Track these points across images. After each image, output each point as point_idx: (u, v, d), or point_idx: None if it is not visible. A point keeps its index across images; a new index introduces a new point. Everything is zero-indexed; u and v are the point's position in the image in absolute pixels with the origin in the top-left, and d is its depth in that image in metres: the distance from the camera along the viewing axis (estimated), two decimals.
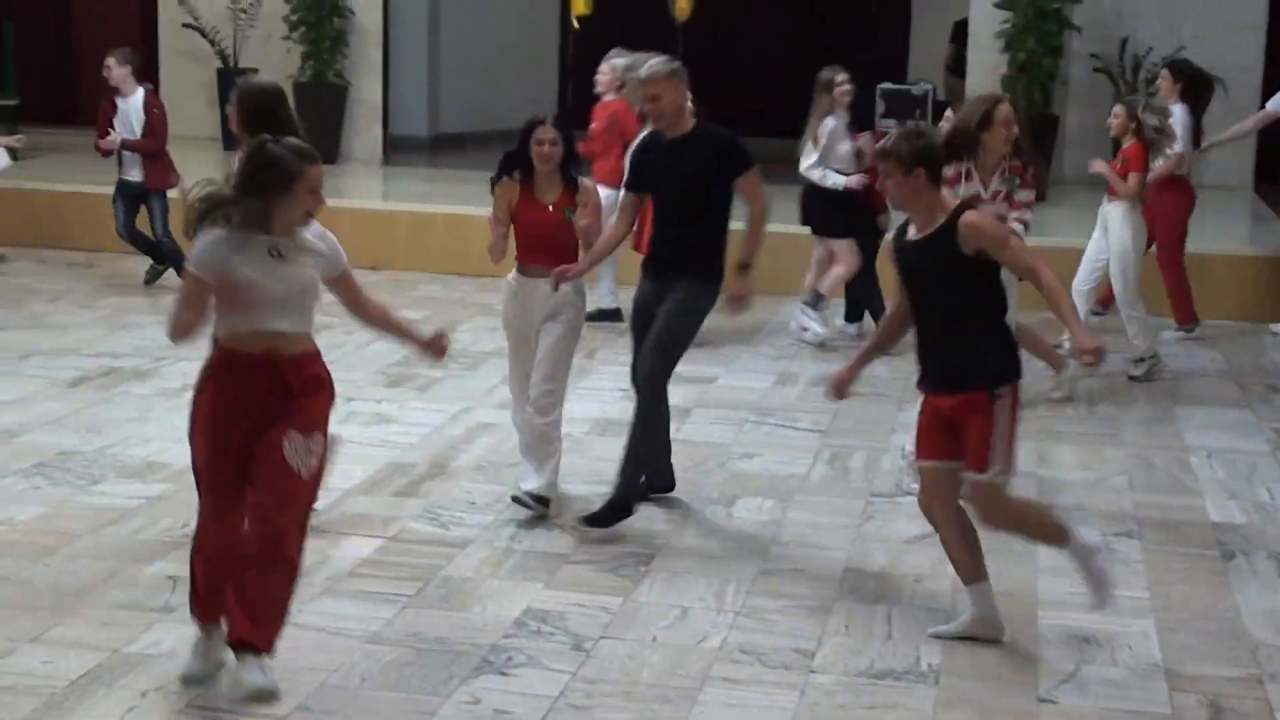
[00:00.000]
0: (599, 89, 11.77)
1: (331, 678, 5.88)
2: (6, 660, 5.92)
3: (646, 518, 7.63)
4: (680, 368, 7.75)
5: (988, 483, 6.16)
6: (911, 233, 6.26)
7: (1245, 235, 14.99)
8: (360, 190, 16.15)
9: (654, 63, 7.66)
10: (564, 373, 7.68)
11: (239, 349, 5.65)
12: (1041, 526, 6.43)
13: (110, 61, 12.77)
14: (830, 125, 11.20)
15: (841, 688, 5.95)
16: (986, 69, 16.21)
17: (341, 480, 8.10)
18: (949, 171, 7.89)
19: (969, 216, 6.12)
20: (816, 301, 11.47)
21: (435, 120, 20.16)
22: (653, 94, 7.57)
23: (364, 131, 17.95)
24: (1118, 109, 10.75)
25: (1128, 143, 10.50)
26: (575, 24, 16.57)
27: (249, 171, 5.73)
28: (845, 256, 11.30)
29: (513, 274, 7.69)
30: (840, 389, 6.59)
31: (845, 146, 11.27)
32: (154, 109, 12.78)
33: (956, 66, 17.43)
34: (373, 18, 17.88)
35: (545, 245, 7.55)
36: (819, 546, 7.43)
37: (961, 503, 6.29)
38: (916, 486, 6.84)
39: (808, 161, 11.20)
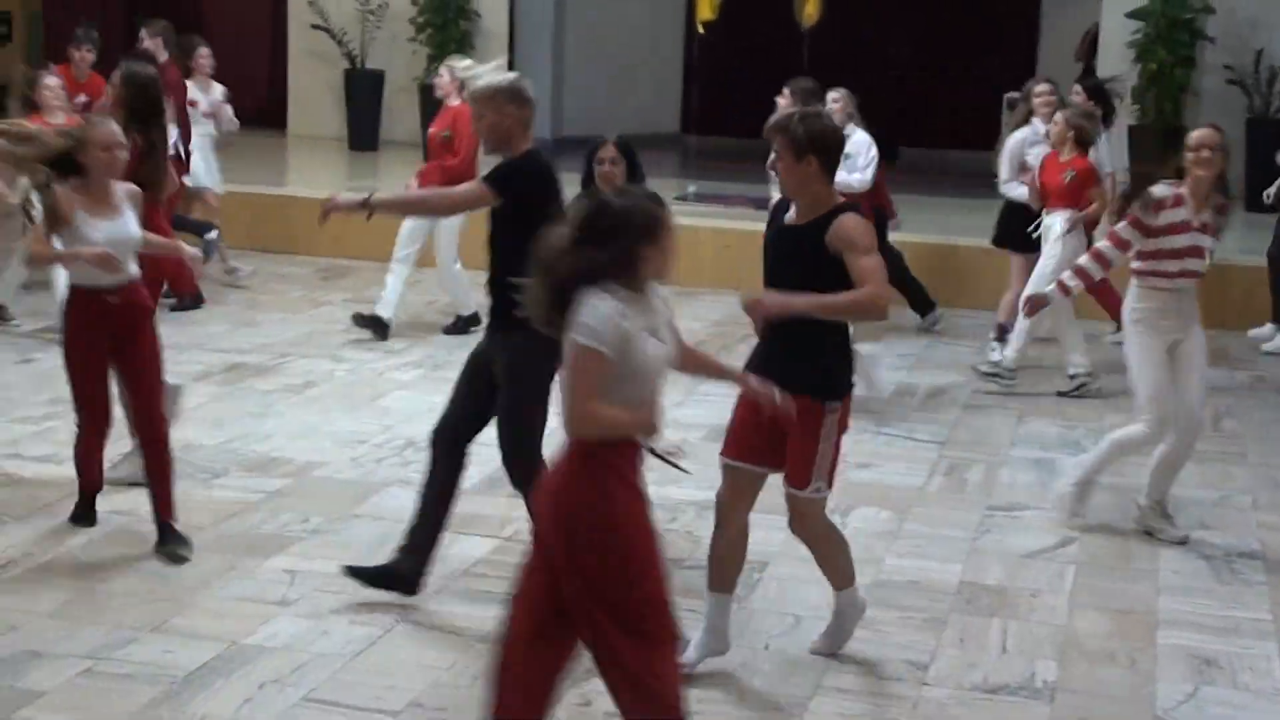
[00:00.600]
0: (439, 93, 11.45)
1: (444, 676, 5.92)
2: (127, 649, 6.02)
3: (764, 526, 7.60)
4: None
5: (807, 499, 5.92)
6: (790, 215, 5.85)
7: None
8: None
9: (483, 77, 6.90)
10: None
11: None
12: (842, 554, 6.19)
13: (144, 34, 12.62)
14: (1018, 137, 11.05)
15: (954, 701, 5.90)
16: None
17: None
18: (1167, 192, 7.48)
19: (846, 218, 5.70)
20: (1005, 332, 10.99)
21: (558, 123, 20.22)
22: (476, 112, 6.89)
23: None
24: (1058, 117, 10.52)
25: (1069, 154, 10.31)
26: (700, 29, 16.56)
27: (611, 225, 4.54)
28: (1024, 273, 10.80)
29: None
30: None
31: (1032, 155, 10.96)
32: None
33: (1086, 76, 17.20)
34: (498, 20, 17.99)
35: None
36: (935, 558, 7.38)
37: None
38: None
39: (1002, 177, 11.06)
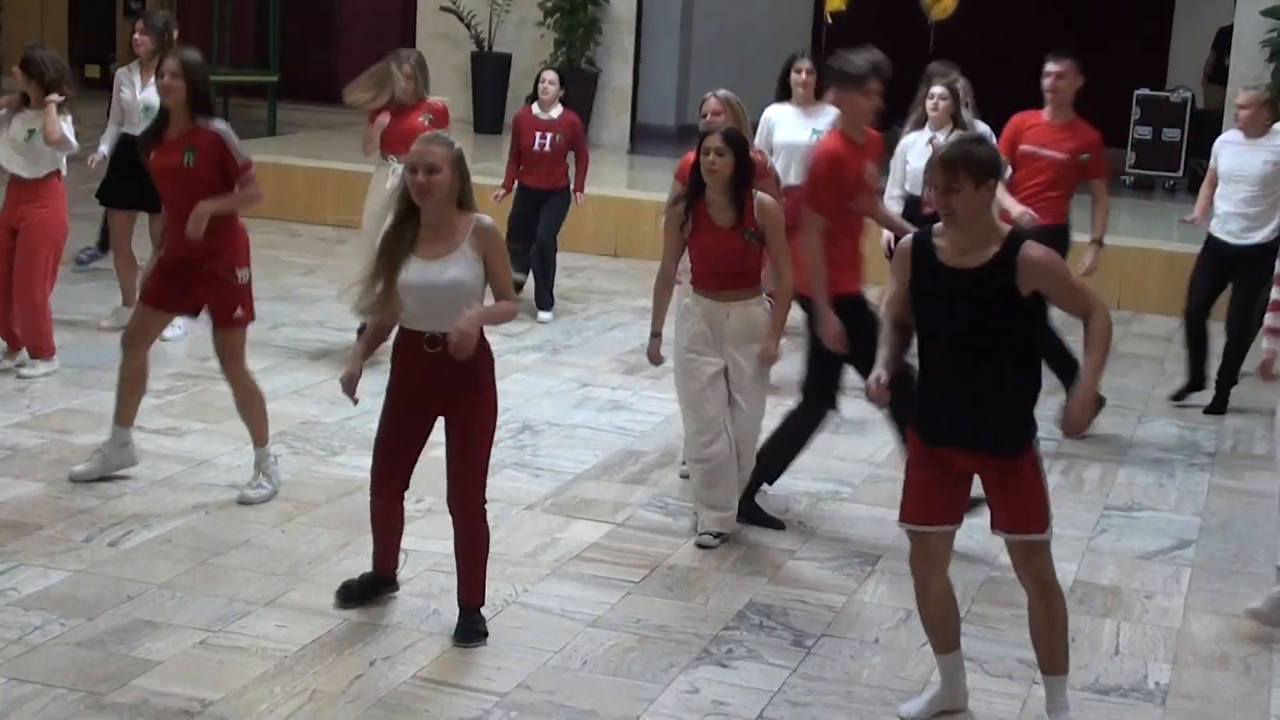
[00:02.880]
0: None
1: (553, 659, 5.95)
2: (242, 622, 6.10)
3: (876, 520, 7.57)
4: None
5: (1045, 541, 5.43)
6: (948, 255, 5.29)
7: None
8: (607, 178, 16.28)
9: None
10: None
11: None
12: (1064, 618, 5.52)
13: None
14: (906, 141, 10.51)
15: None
16: (1249, 79, 15.69)
17: (574, 465, 8.20)
18: None
19: (1031, 250, 5.24)
20: None
21: (683, 110, 20.20)
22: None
23: (613, 119, 18.09)
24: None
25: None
26: (829, 19, 16.45)
27: None
28: None
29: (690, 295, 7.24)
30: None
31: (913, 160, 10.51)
32: None
33: (1217, 75, 16.92)
34: (626, 6, 18.00)
35: (725, 270, 7.08)
36: None
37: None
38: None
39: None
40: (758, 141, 9.70)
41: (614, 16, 17.89)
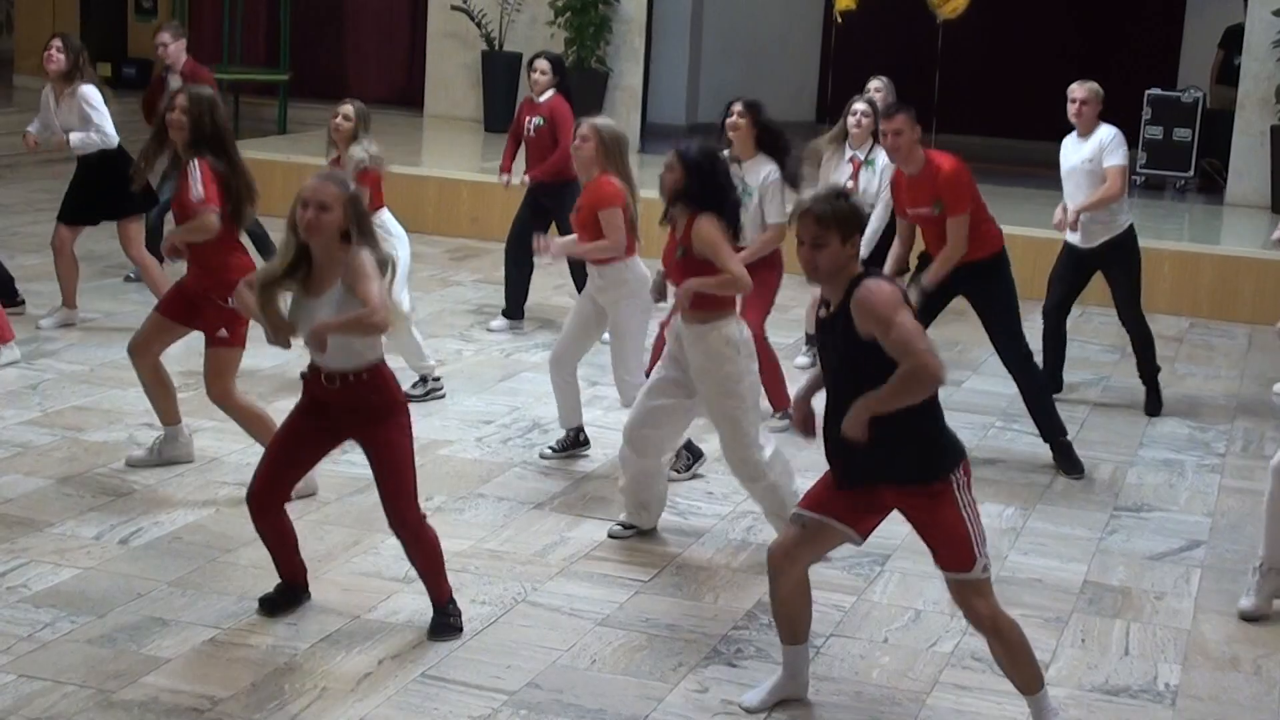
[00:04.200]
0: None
1: (562, 657, 5.95)
2: (251, 620, 6.11)
3: (887, 519, 7.55)
4: None
5: (978, 580, 5.31)
6: (825, 304, 5.36)
7: None
8: None
9: None
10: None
11: None
12: (1023, 646, 5.40)
13: (165, 37, 11.56)
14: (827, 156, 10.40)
15: (1074, 702, 5.84)
16: (1260, 78, 15.72)
17: (583, 464, 8.21)
18: None
19: (859, 292, 5.17)
20: None
21: (693, 109, 20.20)
22: None
23: (623, 118, 18.05)
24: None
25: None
26: (838, 18, 16.44)
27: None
28: None
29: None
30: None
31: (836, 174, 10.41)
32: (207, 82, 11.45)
33: (1225, 75, 16.88)
34: (637, 5, 18.00)
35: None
36: (1059, 557, 7.30)
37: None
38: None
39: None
40: None
41: (624, 15, 17.89)
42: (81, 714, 5.32)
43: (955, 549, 5.29)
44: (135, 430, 8.33)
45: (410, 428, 6.02)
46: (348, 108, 9.23)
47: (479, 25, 18.10)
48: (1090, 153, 9.40)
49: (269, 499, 6.10)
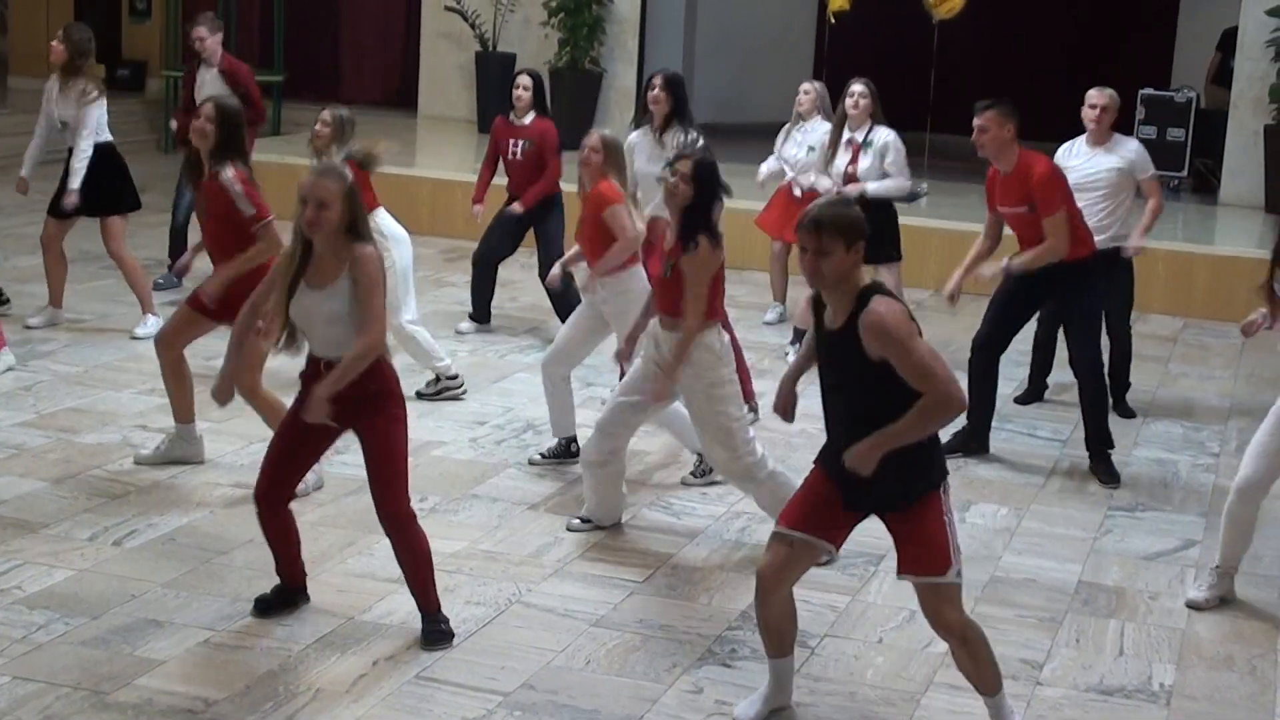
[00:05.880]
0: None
1: (557, 659, 5.95)
2: (245, 621, 6.11)
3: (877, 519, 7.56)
4: None
5: (950, 585, 5.30)
6: (828, 314, 5.29)
7: None
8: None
9: None
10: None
11: None
12: (986, 651, 5.40)
13: (202, 31, 11.54)
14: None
15: (1069, 702, 5.84)
16: (1254, 78, 15.73)
17: (577, 466, 8.20)
18: None
19: (870, 313, 5.10)
20: None
21: None
22: None
23: (617, 119, 18.06)
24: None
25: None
26: (832, 19, 16.43)
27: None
28: None
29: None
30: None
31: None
32: (245, 76, 11.72)
33: (1221, 76, 16.88)
34: (630, 6, 18.00)
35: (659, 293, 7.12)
36: (1053, 557, 7.30)
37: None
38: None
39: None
40: None
41: (618, 16, 17.90)
42: (76, 716, 5.32)
43: (933, 554, 5.26)
44: (129, 432, 8.33)
45: (405, 420, 6.00)
46: (326, 114, 9.20)
47: (473, 26, 18.10)
48: (1118, 162, 9.35)
49: (274, 497, 6.11)
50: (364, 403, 5.90)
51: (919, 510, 5.26)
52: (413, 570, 6.06)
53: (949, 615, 5.30)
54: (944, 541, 5.25)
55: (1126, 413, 9.75)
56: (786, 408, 5.70)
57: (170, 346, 7.75)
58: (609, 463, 7.22)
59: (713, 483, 7.96)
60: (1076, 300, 8.57)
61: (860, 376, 5.16)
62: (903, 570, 5.36)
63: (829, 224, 5.14)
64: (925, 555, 5.26)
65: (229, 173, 7.41)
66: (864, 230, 5.22)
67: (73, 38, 10.31)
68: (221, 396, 6.31)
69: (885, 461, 5.13)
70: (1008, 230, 8.60)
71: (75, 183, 10.17)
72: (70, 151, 10.29)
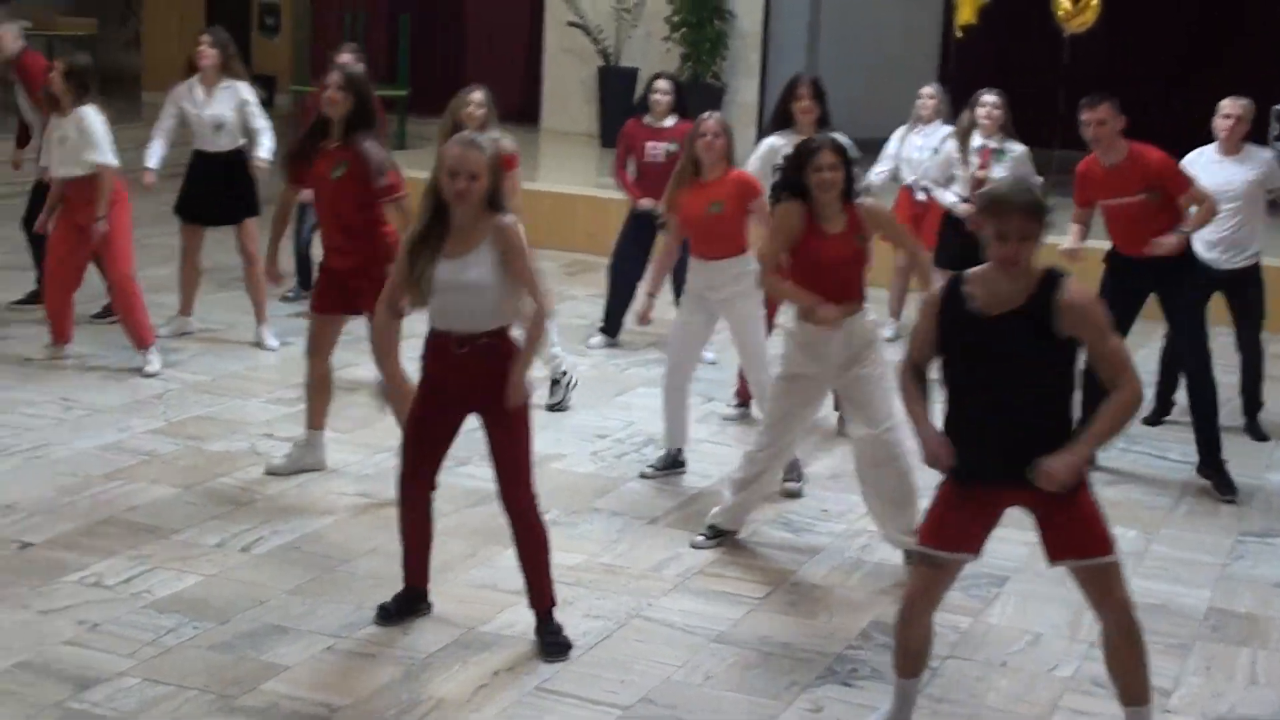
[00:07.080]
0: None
1: (676, 674, 5.94)
2: (369, 629, 6.15)
3: (1001, 539, 7.48)
4: None
5: (1115, 564, 5.20)
6: (981, 302, 5.10)
7: None
8: None
9: None
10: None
11: None
12: (1145, 648, 5.25)
13: (347, 58, 10.68)
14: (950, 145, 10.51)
15: None
16: None
17: (698, 480, 8.20)
18: None
19: (1072, 292, 5.04)
20: None
21: None
22: None
23: (739, 134, 17.89)
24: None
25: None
26: (959, 33, 16.32)
27: None
28: None
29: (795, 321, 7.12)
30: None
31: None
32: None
33: None
34: (754, 20, 17.99)
35: (834, 281, 6.94)
36: (1182, 582, 7.18)
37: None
38: None
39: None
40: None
41: (740, 31, 17.90)
42: (204, 718, 5.38)
43: (1095, 534, 5.14)
44: (256, 440, 8.42)
45: (530, 410, 6.03)
46: (478, 94, 9.25)
47: (595, 41, 18.18)
48: (1251, 173, 9.22)
49: (417, 486, 6.16)
50: (494, 380, 5.90)
51: (1074, 492, 5.12)
52: (531, 562, 6.08)
53: (1119, 592, 5.17)
54: (1101, 515, 5.17)
55: (1259, 435, 9.59)
56: (944, 453, 5.26)
57: (319, 355, 7.84)
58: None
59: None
60: (1179, 290, 8.55)
61: (1035, 360, 5.02)
62: (1061, 555, 5.21)
63: (1033, 209, 5.01)
64: (1088, 537, 5.15)
65: (367, 141, 7.54)
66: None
67: (220, 39, 10.51)
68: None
69: (1039, 442, 5.01)
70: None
71: (266, 154, 10.54)
72: (225, 155, 10.46)
